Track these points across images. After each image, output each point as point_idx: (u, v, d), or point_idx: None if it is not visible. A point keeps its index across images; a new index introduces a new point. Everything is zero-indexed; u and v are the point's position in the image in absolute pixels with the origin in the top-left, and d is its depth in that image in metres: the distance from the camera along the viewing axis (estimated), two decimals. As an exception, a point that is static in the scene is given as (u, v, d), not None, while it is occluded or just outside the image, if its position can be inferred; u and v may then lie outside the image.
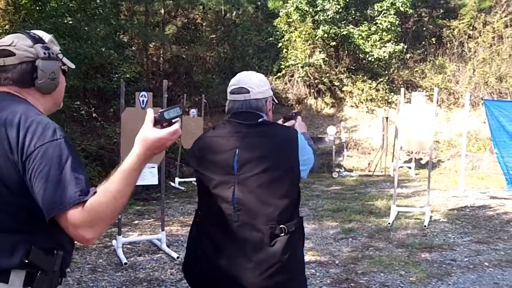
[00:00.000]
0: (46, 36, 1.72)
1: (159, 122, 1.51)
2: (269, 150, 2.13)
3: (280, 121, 2.57)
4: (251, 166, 2.09)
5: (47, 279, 1.55)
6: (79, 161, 1.53)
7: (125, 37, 15.01)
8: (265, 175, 2.08)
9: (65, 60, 1.77)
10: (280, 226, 2.06)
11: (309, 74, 16.52)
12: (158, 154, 1.54)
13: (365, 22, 16.94)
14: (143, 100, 5.56)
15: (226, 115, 2.29)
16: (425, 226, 7.03)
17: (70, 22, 10.09)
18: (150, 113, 1.52)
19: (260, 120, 2.22)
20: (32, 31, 1.74)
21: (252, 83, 2.22)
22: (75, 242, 1.61)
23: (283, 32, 16.96)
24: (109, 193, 1.44)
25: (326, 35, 16.15)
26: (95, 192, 1.45)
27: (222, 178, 2.12)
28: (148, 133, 1.49)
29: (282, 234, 2.06)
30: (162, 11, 17.35)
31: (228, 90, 2.27)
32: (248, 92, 2.20)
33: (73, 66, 1.83)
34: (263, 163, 2.09)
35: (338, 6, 15.91)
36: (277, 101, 2.48)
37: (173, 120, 1.52)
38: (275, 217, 2.06)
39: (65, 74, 1.78)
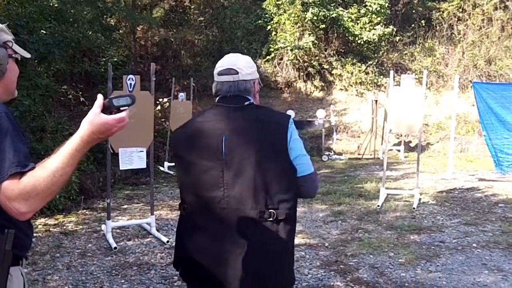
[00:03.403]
0: None
1: (107, 108, 1.51)
2: (257, 133, 2.08)
3: None
4: (240, 150, 2.06)
5: None
6: (20, 135, 1.53)
7: (112, 20, 14.83)
8: (254, 159, 2.04)
9: (17, 49, 1.74)
10: (270, 211, 2.03)
11: (298, 57, 16.44)
12: (103, 139, 1.54)
13: (354, 4, 16.84)
14: (130, 84, 5.50)
15: (214, 98, 2.23)
16: (414, 208, 7.07)
17: (56, 5, 9.94)
18: (100, 99, 1.51)
19: (246, 103, 2.16)
20: None
21: (240, 64, 2.17)
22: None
23: (272, 14, 16.82)
24: (48, 169, 1.43)
25: (315, 18, 16.04)
26: (34, 167, 1.45)
27: (210, 163, 2.08)
28: (94, 117, 1.48)
29: (271, 219, 2.03)
30: (150, -7, 17.16)
31: (215, 72, 2.20)
32: (237, 73, 2.14)
33: (28, 55, 1.81)
34: (251, 147, 2.05)
35: (328, -12, 15.83)
36: (262, 85, 2.43)
37: (122, 108, 1.52)
38: (263, 202, 2.03)
39: (18, 62, 1.77)
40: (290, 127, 2.09)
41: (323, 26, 16.50)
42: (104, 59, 12.22)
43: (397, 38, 17.20)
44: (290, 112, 13.18)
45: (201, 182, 2.11)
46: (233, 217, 2.05)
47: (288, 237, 2.11)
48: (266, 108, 2.28)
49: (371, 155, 13.25)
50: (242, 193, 2.04)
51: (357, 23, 16.45)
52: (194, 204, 2.17)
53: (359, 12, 16.49)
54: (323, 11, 15.93)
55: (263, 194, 2.03)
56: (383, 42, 16.86)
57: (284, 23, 16.51)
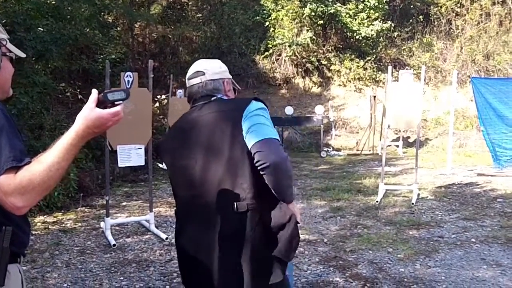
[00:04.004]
0: None
1: (102, 103, 1.51)
2: (216, 124, 2.08)
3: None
4: (203, 144, 2.08)
5: None
6: (16, 132, 1.53)
7: (109, 18, 14.80)
8: (215, 151, 2.05)
9: (12, 47, 1.73)
10: (234, 202, 2.00)
11: (296, 53, 16.42)
12: (98, 133, 1.53)
13: (352, 0, 16.83)
14: (128, 81, 5.49)
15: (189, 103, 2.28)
16: (412, 203, 7.07)
17: (53, 2, 9.92)
18: (94, 93, 1.51)
19: (213, 98, 2.19)
20: None
21: (207, 66, 2.23)
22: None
23: (270, 10, 16.79)
24: (44, 164, 1.44)
25: (313, 14, 16.01)
26: (30, 162, 1.46)
27: (185, 163, 2.12)
28: (89, 111, 1.48)
29: (235, 210, 2.00)
30: (147, -10, 17.12)
31: (186, 79, 2.27)
32: (204, 74, 2.20)
33: (23, 55, 1.79)
34: (212, 139, 2.07)
35: (325, -16, 15.80)
36: (239, 88, 2.41)
37: (116, 103, 1.52)
38: (227, 193, 2.02)
39: (12, 62, 1.75)
40: (249, 108, 2.04)
41: (321, 22, 16.47)
42: (101, 56, 12.19)
43: (395, 33, 17.17)
44: (289, 109, 13.19)
45: (181, 183, 2.18)
46: (206, 212, 2.07)
47: (255, 229, 2.01)
48: (233, 99, 2.28)
49: (369, 150, 13.26)
50: (209, 187, 2.06)
51: (355, 19, 16.41)
52: (179, 204, 2.24)
53: (357, 8, 16.45)
54: (321, 7, 15.89)
55: (226, 185, 2.03)
56: (381, 37, 16.83)
57: (282, 19, 16.49)
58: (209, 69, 2.21)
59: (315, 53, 16.72)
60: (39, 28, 8.71)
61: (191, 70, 2.25)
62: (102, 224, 6.02)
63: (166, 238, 5.54)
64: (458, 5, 17.13)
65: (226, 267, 2.03)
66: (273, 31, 16.62)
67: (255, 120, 2.01)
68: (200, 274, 2.13)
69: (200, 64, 2.25)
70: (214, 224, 2.05)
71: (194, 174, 2.09)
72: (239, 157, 2.01)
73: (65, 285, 4.36)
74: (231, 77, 2.30)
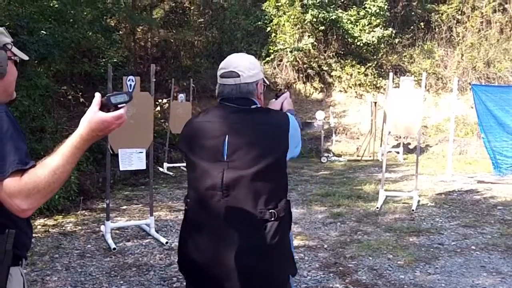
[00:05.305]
0: None
1: (105, 106, 1.53)
2: (259, 136, 2.09)
3: (273, 100, 2.64)
4: (241, 152, 2.06)
5: None
6: (20, 134, 1.55)
7: (112, 21, 14.83)
8: (255, 161, 2.05)
9: (16, 51, 1.75)
10: (270, 211, 2.04)
11: (297, 59, 16.46)
12: (102, 136, 1.56)
13: (353, 6, 16.88)
14: (130, 85, 5.50)
15: (217, 99, 2.23)
16: (413, 210, 7.07)
17: (56, 5, 9.94)
18: (97, 97, 1.53)
19: (253, 106, 2.18)
20: None
21: (242, 66, 2.17)
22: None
23: (272, 16, 16.83)
24: (49, 167, 1.46)
25: (314, 20, 16.07)
26: (34, 165, 1.48)
27: (211, 164, 2.09)
28: (93, 115, 1.50)
29: (272, 219, 2.05)
30: (150, -6, 17.17)
31: (218, 73, 2.21)
32: (239, 76, 2.15)
33: (26, 57, 1.82)
34: (252, 149, 2.06)
35: (327, -10, 15.85)
36: (268, 83, 2.42)
37: (119, 106, 1.54)
38: (264, 202, 2.04)
39: (16, 65, 1.77)
40: (291, 124, 2.16)
41: (323, 28, 16.53)
42: (104, 60, 12.22)
43: (396, 40, 17.22)
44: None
45: (202, 181, 2.12)
46: (233, 217, 2.06)
47: (285, 233, 2.15)
48: (270, 111, 2.30)
49: (370, 157, 13.27)
50: (241, 194, 2.05)
51: (357, 25, 16.47)
52: (195, 201, 2.19)
53: (359, 14, 16.52)
54: (323, 13, 15.95)
55: (263, 195, 2.05)
56: (382, 44, 16.89)
57: (284, 24, 16.53)
58: (244, 71, 2.16)
59: (316, 59, 16.77)
60: (42, 31, 8.72)
61: (225, 67, 2.19)
62: (102, 227, 6.02)
63: (166, 243, 5.53)
64: (459, 12, 17.19)
65: (245, 275, 2.06)
66: (274, 36, 16.66)
67: (298, 139, 2.26)
68: (209, 278, 2.13)
69: (234, 63, 2.19)
70: (236, 230, 2.06)
71: (221, 177, 2.07)
72: (281, 171, 2.14)
73: (65, 288, 4.37)
74: (263, 76, 2.29)
